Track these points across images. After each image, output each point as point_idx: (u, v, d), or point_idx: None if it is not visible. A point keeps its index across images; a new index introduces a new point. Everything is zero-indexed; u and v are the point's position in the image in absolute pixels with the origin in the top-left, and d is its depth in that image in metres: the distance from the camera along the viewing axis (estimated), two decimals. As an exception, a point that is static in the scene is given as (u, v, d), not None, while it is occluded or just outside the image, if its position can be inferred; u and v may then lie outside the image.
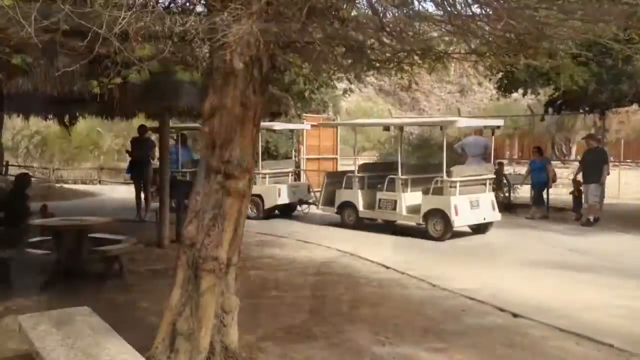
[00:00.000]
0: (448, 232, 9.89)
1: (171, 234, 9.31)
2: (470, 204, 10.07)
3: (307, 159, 17.44)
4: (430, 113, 37.31)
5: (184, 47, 4.60)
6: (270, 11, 3.86)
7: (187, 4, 4.55)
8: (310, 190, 13.27)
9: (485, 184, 10.59)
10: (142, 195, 12.07)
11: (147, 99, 5.62)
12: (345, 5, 4.78)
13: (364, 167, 11.89)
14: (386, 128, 12.57)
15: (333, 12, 4.72)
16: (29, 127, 24.26)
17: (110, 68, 4.36)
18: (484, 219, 10.35)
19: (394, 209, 10.40)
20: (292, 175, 13.11)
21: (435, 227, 9.96)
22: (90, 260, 7.51)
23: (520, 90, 14.19)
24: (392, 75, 6.51)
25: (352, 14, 4.99)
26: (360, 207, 11.01)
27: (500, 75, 12.90)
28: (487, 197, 10.47)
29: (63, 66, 4.75)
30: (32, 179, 13.38)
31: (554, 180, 13.16)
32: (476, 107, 40.01)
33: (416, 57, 5.44)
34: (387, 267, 7.77)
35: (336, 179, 11.83)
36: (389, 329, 5.27)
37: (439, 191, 9.91)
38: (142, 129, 11.85)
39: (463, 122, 12.62)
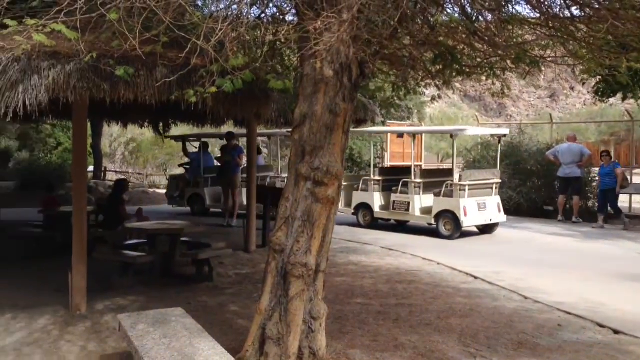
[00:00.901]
0: (457, 231, 10.68)
1: (257, 239, 9.51)
2: (478, 206, 10.88)
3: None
4: (519, 119, 36.11)
5: (275, 55, 4.69)
6: (361, 19, 3.86)
7: (278, 14, 4.63)
8: None
9: (492, 188, 11.30)
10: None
11: (238, 107, 5.74)
12: (436, 11, 4.71)
13: (379, 172, 12.63)
14: (400, 135, 13.06)
15: (423, 18, 4.67)
16: (125, 135, 25.61)
17: (204, 77, 4.51)
18: (491, 220, 11.13)
19: (407, 210, 11.30)
20: None
21: (445, 226, 10.84)
22: (182, 263, 7.79)
23: (619, 95, 13.48)
24: (483, 81, 6.36)
25: (443, 19, 4.92)
26: (376, 208, 11.88)
27: (597, 79, 12.33)
28: (494, 200, 11.24)
29: (161, 76, 4.98)
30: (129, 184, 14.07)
31: (624, 186, 12.38)
32: (568, 113, 38.39)
33: (509, 62, 5.28)
34: (476, 277, 7.56)
35: (353, 182, 12.63)
36: (480, 341, 5.11)
37: (449, 194, 10.76)
38: (229, 135, 12.18)
39: (472, 130, 13.34)
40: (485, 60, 5.27)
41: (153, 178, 24.99)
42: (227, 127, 12.69)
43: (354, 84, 4.28)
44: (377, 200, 11.86)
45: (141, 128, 13.17)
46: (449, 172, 11.53)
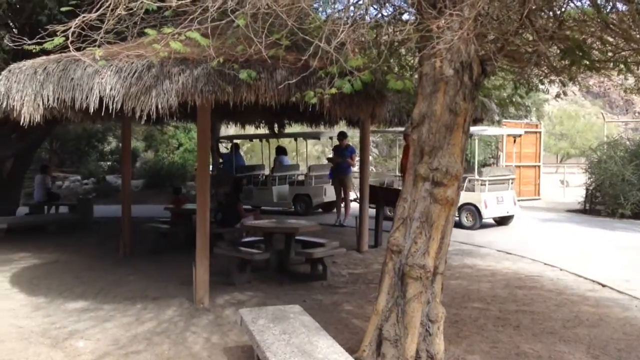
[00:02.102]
0: (478, 222, 11.85)
1: (370, 239, 9.51)
2: (497, 199, 12.01)
3: (507, 167, 16.74)
4: (649, 116, 33.54)
5: (392, 55, 4.67)
6: (484, 15, 3.75)
7: (398, 13, 4.59)
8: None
9: (508, 183, 12.43)
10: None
11: (354, 108, 5.77)
12: (563, 3, 4.47)
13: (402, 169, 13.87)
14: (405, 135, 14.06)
15: (550, 11, 4.45)
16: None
17: (323, 79, 4.58)
18: (507, 212, 12.27)
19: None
20: None
21: (467, 218, 11.99)
22: (297, 261, 7.96)
23: None
24: (614, 77, 5.96)
25: (571, 11, 4.67)
26: None
27: None
28: (510, 194, 12.35)
29: (281, 78, 5.12)
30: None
31: None
32: None
33: (645, 55, 4.90)
34: (603, 285, 7.10)
35: (378, 178, 14.31)
36: (610, 353, 4.78)
37: (471, 188, 11.89)
38: (341, 136, 12.27)
39: (492, 131, 14.19)
40: (617, 54, 4.93)
41: (266, 177, 25.70)
42: (340, 127, 12.82)
43: (474, 83, 4.17)
44: None
45: (257, 128, 13.64)
46: (469, 169, 12.56)
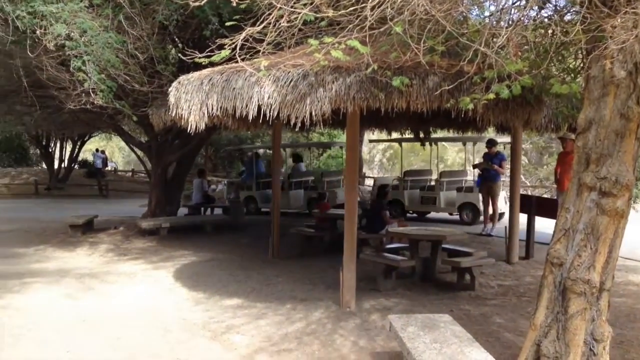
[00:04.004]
0: (476, 219, 12.95)
1: (520, 250, 9.09)
2: None
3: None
4: None
5: (556, 58, 4.43)
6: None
7: (562, 14, 4.34)
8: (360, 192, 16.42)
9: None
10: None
11: (508, 113, 5.56)
12: None
13: (406, 174, 15.18)
14: (422, 143, 15.20)
15: None
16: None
17: (478, 84, 4.46)
18: (500, 209, 12.58)
19: (434, 203, 13.95)
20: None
21: (466, 215, 13.38)
22: (443, 270, 7.81)
23: None
24: None
25: None
26: (406, 203, 14.39)
27: None
28: (502, 194, 12.77)
29: (432, 84, 5.06)
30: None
31: None
32: None
33: None
34: None
35: (383, 181, 15.61)
36: None
37: (469, 189, 13.47)
38: (491, 143, 11.86)
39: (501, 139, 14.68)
40: None
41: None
42: (488, 134, 12.44)
43: (650, 85, 3.83)
44: (406, 197, 14.31)
45: (402, 135, 13.65)
46: (464, 172, 14.63)
